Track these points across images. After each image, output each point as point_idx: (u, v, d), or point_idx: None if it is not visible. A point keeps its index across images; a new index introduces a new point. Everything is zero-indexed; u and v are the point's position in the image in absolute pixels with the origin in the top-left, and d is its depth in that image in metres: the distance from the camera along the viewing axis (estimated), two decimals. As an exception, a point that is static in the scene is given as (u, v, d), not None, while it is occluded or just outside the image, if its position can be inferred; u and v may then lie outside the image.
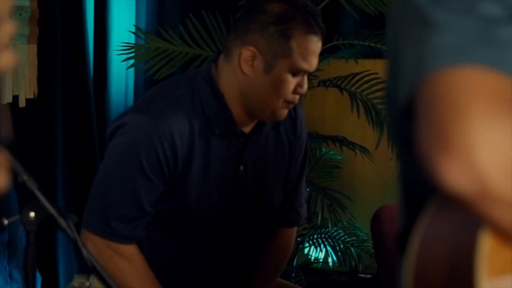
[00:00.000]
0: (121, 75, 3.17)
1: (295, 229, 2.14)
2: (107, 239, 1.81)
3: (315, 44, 1.81)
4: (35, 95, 2.82)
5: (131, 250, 1.84)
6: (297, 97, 1.84)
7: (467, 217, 0.75)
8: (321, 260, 3.13)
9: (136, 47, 2.92)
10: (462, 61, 0.76)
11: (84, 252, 1.45)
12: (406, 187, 0.97)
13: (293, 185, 2.05)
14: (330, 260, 3.13)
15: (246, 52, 1.79)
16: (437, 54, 0.78)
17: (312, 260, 3.11)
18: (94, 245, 1.82)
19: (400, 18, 0.88)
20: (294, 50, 1.78)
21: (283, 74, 1.79)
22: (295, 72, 1.80)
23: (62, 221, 1.45)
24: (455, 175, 0.71)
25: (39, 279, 2.94)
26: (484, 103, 0.72)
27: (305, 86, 1.83)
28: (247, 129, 1.89)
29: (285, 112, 1.85)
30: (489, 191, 0.71)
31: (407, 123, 0.83)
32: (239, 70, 1.81)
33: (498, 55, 0.76)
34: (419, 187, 0.91)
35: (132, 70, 3.16)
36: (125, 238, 1.82)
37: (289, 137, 1.98)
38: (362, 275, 2.90)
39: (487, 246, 0.73)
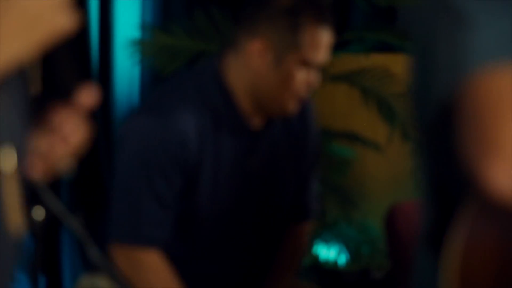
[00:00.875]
0: (125, 70, 3.14)
1: (307, 225, 2.10)
2: (140, 245, 1.79)
3: (325, 37, 1.78)
4: (39, 92, 2.77)
5: (160, 263, 1.81)
6: (307, 91, 1.80)
7: None
8: (331, 259, 3.10)
9: (141, 42, 2.89)
10: (501, 60, 0.75)
11: (92, 250, 1.41)
12: (434, 184, 0.95)
13: (305, 180, 2.03)
14: (341, 259, 3.10)
15: (255, 45, 1.77)
16: (475, 53, 0.78)
17: (323, 259, 3.08)
18: (127, 259, 1.80)
19: (433, 16, 0.87)
20: (304, 43, 1.76)
21: (293, 67, 1.77)
22: (305, 65, 1.77)
23: (69, 220, 1.41)
24: (502, 177, 0.71)
25: (43, 280, 2.90)
26: None
27: (316, 79, 1.80)
28: (257, 125, 1.86)
29: (294, 107, 1.82)
30: None
31: (443, 121, 0.82)
32: (248, 64, 1.78)
33: None
34: (451, 184, 0.89)
35: (137, 65, 3.13)
36: (155, 241, 1.80)
37: (299, 133, 1.96)
38: (375, 274, 2.87)
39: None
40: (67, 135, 1.01)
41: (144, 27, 2.95)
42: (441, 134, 0.85)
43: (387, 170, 3.14)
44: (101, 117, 3.01)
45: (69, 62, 1.03)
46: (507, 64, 0.75)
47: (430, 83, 0.84)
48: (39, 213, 1.39)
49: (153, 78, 3.17)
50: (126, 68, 3.13)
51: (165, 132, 1.75)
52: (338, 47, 3.03)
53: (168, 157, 1.76)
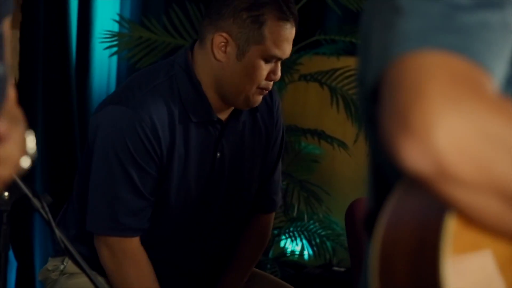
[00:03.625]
0: (103, 62, 3.17)
1: (271, 216, 2.15)
2: (120, 236, 1.83)
3: (288, 31, 1.81)
4: (16, 81, 2.82)
5: (141, 253, 1.86)
6: (271, 83, 1.85)
7: (433, 198, 0.77)
8: (296, 253, 3.15)
9: (119, 35, 2.93)
10: (427, 45, 0.77)
11: (57, 233, 1.46)
12: (374, 169, 0.98)
13: (270, 172, 2.07)
14: (305, 253, 3.15)
15: (219, 38, 1.80)
16: (403, 39, 0.79)
17: (288, 253, 3.13)
18: (109, 248, 1.85)
19: (372, 6, 0.89)
20: (267, 37, 1.79)
21: (256, 61, 1.80)
22: (268, 58, 1.81)
23: (36, 202, 1.46)
24: (414, 155, 0.72)
25: (14, 264, 2.94)
26: (445, 86, 0.74)
27: (279, 73, 1.84)
28: (223, 116, 1.90)
29: (259, 99, 1.86)
30: (446, 173, 0.72)
31: (373, 105, 0.84)
32: (212, 56, 1.82)
33: (463, 41, 0.78)
34: (387, 168, 0.93)
35: (115, 58, 3.16)
36: (136, 230, 1.84)
37: (266, 124, 2.00)
38: (336, 268, 2.92)
39: (452, 225, 0.74)
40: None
41: (122, 21, 2.98)
42: (373, 118, 0.87)
43: (353, 168, 3.20)
44: (78, 108, 3.05)
45: None
46: (432, 50, 0.76)
47: (366, 70, 0.86)
48: (7, 193, 1.45)
49: (129, 70, 3.21)
50: (104, 60, 3.17)
51: (139, 124, 1.77)
52: (311, 48, 3.10)
53: (142, 147, 1.78)
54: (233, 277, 2.04)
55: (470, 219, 0.75)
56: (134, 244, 1.86)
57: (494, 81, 0.78)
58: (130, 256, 1.86)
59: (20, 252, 2.90)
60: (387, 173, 0.93)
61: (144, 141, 1.78)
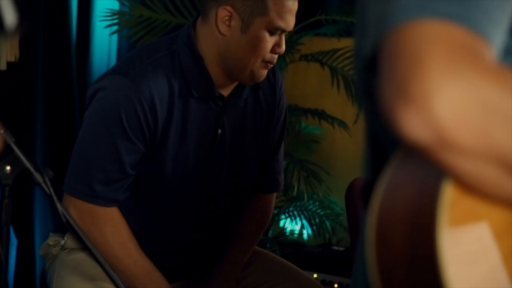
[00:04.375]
0: (104, 41, 3.17)
1: (273, 196, 2.15)
2: (90, 202, 1.83)
3: (291, 2, 1.82)
4: (16, 58, 2.81)
5: (113, 213, 1.85)
6: (276, 56, 1.85)
7: (431, 166, 0.77)
8: (296, 233, 3.16)
9: (119, 13, 2.92)
10: (425, 14, 0.77)
11: (59, 207, 1.47)
12: (371, 140, 0.99)
13: (272, 151, 2.07)
14: (305, 233, 3.16)
15: (223, 12, 1.80)
16: (400, 9, 0.79)
17: (287, 233, 3.14)
18: (76, 210, 1.83)
19: None
20: (271, 8, 1.79)
21: (260, 33, 1.80)
22: (272, 30, 1.81)
23: (37, 176, 1.46)
24: (413, 124, 0.73)
25: (14, 242, 2.95)
26: (444, 54, 0.74)
27: (283, 45, 1.84)
28: (225, 92, 1.90)
29: (264, 73, 1.86)
30: (446, 141, 0.73)
31: (370, 77, 0.85)
32: (217, 31, 1.82)
33: (461, 10, 0.78)
34: (384, 140, 0.93)
35: (115, 37, 3.16)
36: (108, 201, 1.84)
37: (268, 102, 1.99)
38: (336, 248, 2.94)
39: (449, 194, 0.75)
40: None
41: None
42: (370, 89, 0.88)
43: (353, 149, 3.21)
44: (79, 86, 3.05)
45: None
46: (430, 19, 0.76)
47: (363, 41, 0.86)
48: (9, 167, 1.45)
49: (130, 49, 3.21)
50: (104, 39, 3.16)
51: (137, 96, 1.76)
52: (312, 28, 3.10)
53: (135, 120, 1.77)
54: (234, 255, 2.05)
55: (468, 187, 0.76)
56: (107, 211, 1.84)
57: (493, 50, 0.79)
58: (100, 216, 1.84)
59: (20, 229, 2.91)
60: (383, 143, 0.94)
61: (139, 114, 1.77)
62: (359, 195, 1.00)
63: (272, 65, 1.86)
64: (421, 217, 0.76)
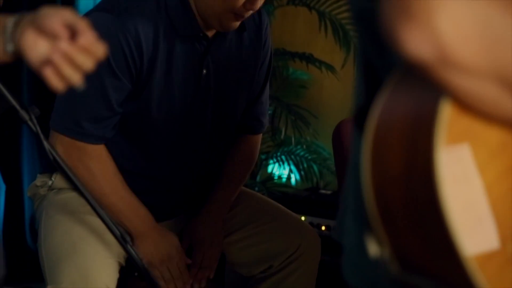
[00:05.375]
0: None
1: (258, 137, 2.17)
2: (79, 140, 1.84)
3: None
4: (0, 4, 2.78)
5: (100, 150, 1.87)
6: (249, 12, 1.83)
7: (428, 87, 0.78)
8: (284, 178, 3.18)
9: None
10: None
11: (46, 145, 1.47)
12: (365, 66, 0.98)
13: (257, 92, 2.08)
14: (293, 178, 3.19)
15: None
16: None
17: (276, 178, 3.16)
18: (63, 147, 1.84)
19: None
20: None
21: None
22: None
23: (24, 114, 1.46)
24: (415, 41, 0.73)
25: (3, 187, 2.96)
26: None
27: (256, 4, 1.81)
28: (210, 33, 1.90)
29: (233, 25, 1.85)
30: (448, 58, 0.73)
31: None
32: None
33: None
34: (378, 64, 0.93)
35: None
36: (95, 138, 1.85)
37: (254, 43, 1.99)
38: (323, 191, 2.96)
39: (447, 112, 0.76)
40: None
41: None
42: (367, 12, 0.88)
43: (341, 96, 3.21)
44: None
45: None
46: None
47: None
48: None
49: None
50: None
51: (122, 32, 1.77)
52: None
53: (121, 59, 1.78)
54: (221, 196, 2.07)
55: (466, 106, 0.77)
56: (94, 148, 1.86)
57: None
58: (87, 153, 1.85)
59: (8, 175, 2.92)
60: (377, 68, 0.94)
61: (125, 50, 1.78)
62: (352, 120, 1.00)
63: (242, 19, 1.85)
64: (418, 135, 0.77)
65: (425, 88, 0.79)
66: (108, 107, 1.83)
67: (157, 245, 1.90)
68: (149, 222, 1.91)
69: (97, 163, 1.86)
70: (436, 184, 0.74)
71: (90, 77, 1.79)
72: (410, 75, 0.82)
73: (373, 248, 0.83)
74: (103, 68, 1.77)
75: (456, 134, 0.76)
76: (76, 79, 1.04)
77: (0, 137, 2.85)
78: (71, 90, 1.81)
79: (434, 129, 0.75)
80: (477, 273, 0.75)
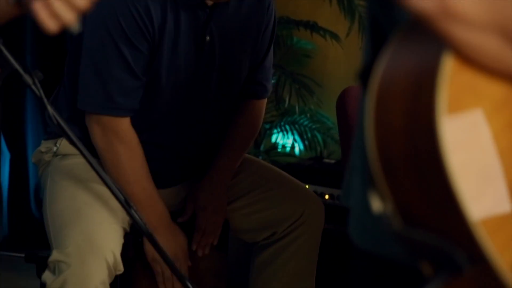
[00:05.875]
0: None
1: (262, 103, 2.17)
2: (113, 115, 1.87)
3: None
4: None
5: (131, 136, 1.89)
6: None
7: (432, 42, 0.78)
8: (288, 147, 3.19)
9: None
10: None
11: (49, 109, 1.47)
12: (371, 23, 0.99)
13: (261, 57, 2.08)
14: (296, 148, 3.19)
15: None
16: None
17: (279, 147, 3.17)
18: (100, 126, 1.88)
19: None
20: None
21: None
22: None
23: (27, 78, 1.46)
24: None
25: (7, 156, 2.97)
26: None
27: None
28: (210, 2, 1.90)
29: None
30: (450, 9, 0.74)
31: None
32: None
33: None
34: (384, 20, 0.94)
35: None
36: (128, 111, 1.88)
37: (257, 9, 2.00)
38: (327, 160, 2.96)
39: (449, 67, 0.76)
40: None
41: None
42: None
43: (345, 66, 3.20)
44: None
45: None
46: None
47: None
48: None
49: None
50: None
51: (132, 4, 1.79)
52: None
53: (135, 27, 1.81)
54: (224, 162, 2.08)
55: (469, 60, 0.77)
56: (125, 124, 1.90)
57: None
58: (122, 136, 1.89)
59: (13, 142, 2.93)
60: (383, 25, 0.94)
61: (137, 18, 1.81)
62: (357, 77, 1.00)
63: None
64: (420, 88, 0.77)
65: (429, 43, 0.79)
66: (134, 77, 1.85)
67: (166, 244, 1.90)
68: (163, 219, 1.93)
69: (127, 150, 1.89)
70: (438, 135, 0.75)
71: (110, 50, 1.83)
72: (414, 31, 0.82)
73: (376, 204, 0.84)
74: (120, 39, 1.81)
75: (458, 87, 0.77)
76: (69, 17, 0.99)
77: (4, 104, 2.85)
78: (96, 68, 1.84)
79: (437, 82, 0.75)
80: (478, 228, 0.75)
